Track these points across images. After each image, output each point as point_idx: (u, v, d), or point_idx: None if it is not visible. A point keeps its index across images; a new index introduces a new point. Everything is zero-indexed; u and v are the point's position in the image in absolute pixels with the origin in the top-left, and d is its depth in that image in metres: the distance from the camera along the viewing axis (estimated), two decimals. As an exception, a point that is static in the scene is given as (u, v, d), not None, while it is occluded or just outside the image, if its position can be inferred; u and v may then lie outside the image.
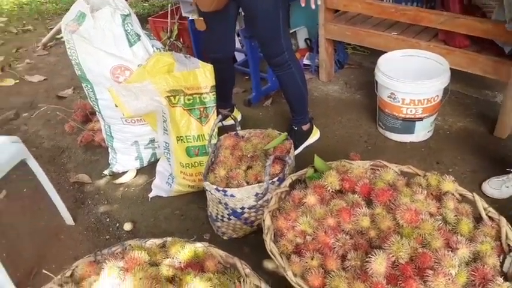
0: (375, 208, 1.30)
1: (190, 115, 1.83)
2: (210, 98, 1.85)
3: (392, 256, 1.12)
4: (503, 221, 1.25)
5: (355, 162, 1.53)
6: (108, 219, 1.82)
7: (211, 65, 1.83)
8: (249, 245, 1.63)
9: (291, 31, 3.12)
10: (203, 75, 1.80)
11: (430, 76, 2.04)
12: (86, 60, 1.82)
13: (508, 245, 1.20)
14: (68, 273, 1.13)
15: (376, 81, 2.18)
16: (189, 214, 1.82)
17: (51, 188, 1.69)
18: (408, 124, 2.13)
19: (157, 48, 1.98)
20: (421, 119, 2.10)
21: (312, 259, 1.17)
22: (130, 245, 1.23)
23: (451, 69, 2.09)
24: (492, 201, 1.79)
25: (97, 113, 2.03)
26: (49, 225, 1.79)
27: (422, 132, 2.17)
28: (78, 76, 1.90)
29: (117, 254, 1.21)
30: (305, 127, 2.21)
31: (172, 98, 1.78)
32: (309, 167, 1.56)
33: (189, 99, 1.82)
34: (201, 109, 1.85)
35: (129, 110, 1.78)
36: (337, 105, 2.60)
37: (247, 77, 2.88)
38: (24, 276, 1.56)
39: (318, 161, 1.54)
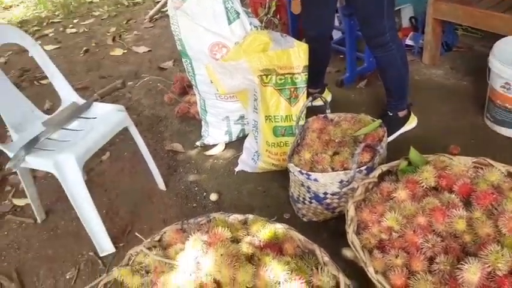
0: (474, 211, 1.18)
1: (280, 95, 1.82)
2: (302, 79, 1.82)
3: (489, 266, 1.02)
4: None
5: (455, 158, 1.40)
6: (196, 188, 1.92)
7: (306, 45, 1.78)
8: (328, 230, 1.61)
9: (395, 8, 2.91)
10: (297, 54, 1.77)
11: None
12: (187, 36, 1.90)
13: None
14: (157, 238, 1.22)
15: (489, 68, 1.95)
16: (271, 192, 1.84)
17: (148, 154, 1.83)
18: (523, 119, 1.88)
19: (254, 26, 1.98)
20: (540, 114, 1.84)
21: (397, 257, 1.11)
22: (214, 217, 1.29)
23: None
24: None
25: (194, 87, 2.12)
26: (144, 188, 1.95)
27: (540, 129, 1.90)
28: (179, 51, 2.00)
29: (202, 224, 1.27)
30: (401, 113, 2.07)
31: (264, 77, 1.79)
32: (402, 159, 1.47)
33: (280, 79, 1.80)
34: (292, 89, 1.83)
35: (224, 87, 1.83)
36: (440, 91, 2.39)
37: (341, 56, 2.77)
38: (119, 233, 1.72)
39: (413, 153, 1.43)
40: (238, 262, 1.00)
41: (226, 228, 1.10)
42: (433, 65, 2.63)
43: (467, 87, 2.39)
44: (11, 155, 1.50)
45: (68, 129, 1.71)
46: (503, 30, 2.09)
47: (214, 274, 0.97)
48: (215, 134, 2.16)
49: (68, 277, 1.56)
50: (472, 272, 1.00)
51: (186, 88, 2.56)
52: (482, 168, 1.35)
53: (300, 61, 1.79)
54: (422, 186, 1.30)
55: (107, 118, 1.71)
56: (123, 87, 2.51)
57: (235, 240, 1.19)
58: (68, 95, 1.84)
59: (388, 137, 2.02)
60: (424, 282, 1.03)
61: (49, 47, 3.88)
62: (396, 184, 1.33)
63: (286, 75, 1.80)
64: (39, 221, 1.83)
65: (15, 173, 1.83)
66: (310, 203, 1.62)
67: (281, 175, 1.86)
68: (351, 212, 1.27)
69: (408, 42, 2.80)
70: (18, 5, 5.53)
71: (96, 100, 1.87)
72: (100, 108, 1.79)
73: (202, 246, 1.03)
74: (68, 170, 1.47)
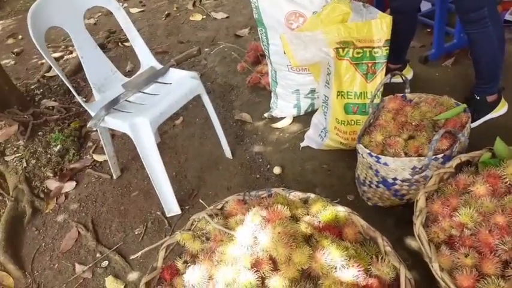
0: None
1: (356, 70, 1.72)
2: (382, 53, 1.70)
3: None
4: None
5: (550, 155, 1.24)
6: (260, 160, 1.93)
7: (390, 17, 1.65)
8: (394, 217, 1.54)
9: (496, -22, 2.58)
10: (379, 27, 1.65)
11: None
12: (265, 4, 1.86)
13: None
14: (219, 206, 1.25)
15: None
16: (336, 171, 1.79)
17: (217, 122, 1.86)
18: None
19: (335, -5, 1.88)
20: None
21: (466, 256, 1.03)
22: (276, 192, 1.28)
23: None
24: None
25: (266, 57, 2.09)
26: (212, 154, 2.00)
27: None
28: (255, 19, 1.97)
29: (263, 198, 1.28)
30: (490, 98, 1.87)
31: (340, 50, 1.70)
32: (485, 149, 1.33)
33: (358, 53, 1.70)
34: (369, 64, 1.72)
35: (297, 59, 1.77)
36: (541, 76, 2.11)
37: (428, 30, 2.55)
38: (186, 196, 1.80)
39: (499, 145, 1.30)
40: (295, 242, 0.99)
41: (286, 206, 1.09)
42: (536, 44, 2.32)
43: None
44: (92, 114, 1.61)
45: (145, 92, 1.79)
46: None
47: (270, 251, 0.98)
48: (283, 107, 2.13)
49: (136, 233, 1.68)
50: (555, 285, 0.90)
51: (260, 57, 2.54)
52: None
53: (382, 34, 1.66)
54: (506, 183, 1.17)
55: (181, 84, 1.76)
56: (198, 55, 2.56)
57: (294, 218, 1.18)
58: (146, 59, 1.91)
59: (472, 122, 1.86)
60: (495, 286, 0.94)
61: (134, 10, 4.06)
62: (475, 177, 1.21)
63: (364, 49, 1.69)
64: (114, 177, 1.98)
65: (96, 130, 1.98)
66: (377, 187, 1.55)
67: (348, 155, 1.80)
68: (420, 202, 1.19)
69: (508, 17, 2.49)
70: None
71: (172, 66, 1.93)
72: (176, 74, 1.85)
73: (261, 221, 1.03)
74: (142, 132, 1.55)
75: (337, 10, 1.74)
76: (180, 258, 1.14)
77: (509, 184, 1.18)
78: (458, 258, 1.03)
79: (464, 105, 1.53)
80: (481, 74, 1.85)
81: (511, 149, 1.28)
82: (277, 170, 1.84)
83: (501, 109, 1.92)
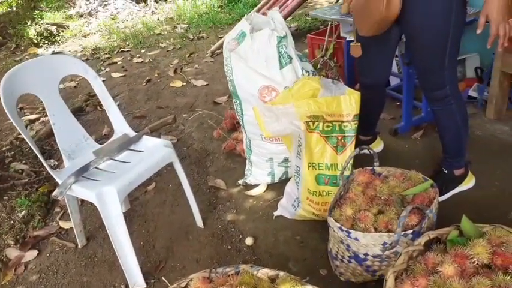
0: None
1: (327, 142, 1.77)
2: (351, 127, 1.76)
3: None
4: None
5: (514, 233, 1.25)
6: (233, 229, 1.89)
7: (358, 93, 1.73)
8: (367, 293, 1.49)
9: (459, 58, 2.78)
10: (347, 102, 1.73)
11: None
12: (239, 78, 1.93)
13: None
14: (183, 285, 1.19)
15: None
16: (309, 243, 1.76)
17: (190, 190, 1.84)
18: None
19: (306, 71, 1.98)
20: None
21: None
22: (244, 269, 1.24)
23: None
24: None
25: (241, 126, 2.13)
26: (183, 223, 1.95)
27: None
28: (230, 91, 2.03)
29: (229, 275, 1.23)
30: (458, 172, 1.92)
31: (311, 123, 1.75)
32: (452, 226, 1.34)
33: (328, 126, 1.76)
34: (339, 137, 1.77)
35: (269, 130, 1.81)
36: (503, 149, 2.20)
37: (398, 103, 2.67)
38: (152, 268, 1.72)
39: (465, 223, 1.31)
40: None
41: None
42: (497, 120, 2.45)
43: (536, 147, 2.19)
44: (59, 181, 1.58)
45: (116, 160, 1.77)
46: None
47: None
48: (258, 174, 2.14)
49: (97, 308, 1.58)
50: None
51: (236, 125, 2.59)
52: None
53: (351, 109, 1.74)
54: (474, 263, 1.17)
55: (154, 152, 1.76)
56: (174, 122, 2.59)
57: (261, 298, 1.14)
58: (120, 126, 1.92)
59: (440, 195, 1.90)
60: None
61: (116, 75, 4.15)
62: (444, 256, 1.20)
63: (334, 123, 1.75)
64: (79, 246, 1.89)
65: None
66: (349, 262, 1.52)
67: (322, 226, 1.78)
68: (389, 282, 1.16)
69: (472, 93, 2.65)
70: (94, 33, 6.04)
71: (146, 133, 1.94)
72: (149, 142, 1.85)
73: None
74: (108, 202, 1.51)
75: (307, 86, 1.83)
76: None
77: (477, 264, 1.18)
78: None
79: (431, 181, 1.57)
80: (447, 149, 1.91)
81: (478, 228, 1.30)
82: (249, 241, 1.80)
83: (469, 182, 1.97)
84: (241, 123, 2.10)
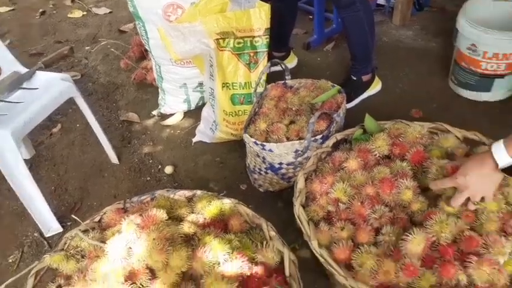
0: (424, 179, 1.15)
1: (239, 60, 1.71)
2: (263, 42, 1.71)
3: (433, 236, 0.99)
4: None
5: (412, 124, 1.35)
6: (151, 161, 1.84)
7: (268, 5, 1.66)
8: (284, 199, 1.57)
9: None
10: (257, 15, 1.65)
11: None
12: (139, -4, 1.75)
13: None
14: (97, 219, 1.15)
15: (456, 29, 1.88)
16: (229, 162, 1.78)
17: (98, 126, 1.72)
18: (486, 81, 1.84)
19: (211, -16, 1.84)
20: (502, 76, 1.80)
21: (342, 229, 1.08)
22: (159, 194, 1.22)
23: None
24: None
25: (149, 52, 1.99)
26: (95, 161, 1.85)
27: (500, 91, 1.87)
28: (131, 13, 1.85)
29: (145, 203, 1.21)
30: (365, 77, 2.00)
31: (221, 40, 1.67)
32: (357, 127, 1.42)
33: (239, 43, 1.69)
34: (251, 54, 1.72)
35: (177, 52, 1.71)
36: (408, 54, 2.32)
37: (310, 17, 2.65)
38: (67, 211, 1.64)
39: (368, 121, 1.38)
40: (172, 245, 0.94)
41: (162, 210, 1.04)
42: (403, 25, 2.54)
43: (436, 49, 2.32)
44: None
45: (6, 101, 1.58)
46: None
47: (146, 260, 0.92)
48: (172, 103, 2.05)
49: (10, 260, 1.49)
50: (415, 243, 0.98)
51: (145, 53, 2.42)
52: (438, 134, 1.32)
53: (261, 23, 1.67)
54: (375, 155, 1.26)
55: (49, 88, 1.58)
56: (71, 54, 2.35)
57: (179, 218, 1.14)
58: (8, 64, 1.69)
59: (351, 102, 1.98)
60: (366, 255, 1.00)
61: (3, 9, 3.61)
62: (349, 153, 1.28)
63: (245, 39, 1.68)
64: (-19, 201, 1.73)
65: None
66: (266, 173, 1.56)
67: (240, 145, 1.79)
68: (299, 183, 1.22)
69: (380, 1, 2.69)
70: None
71: (40, 68, 1.73)
72: (44, 78, 1.66)
73: (135, 230, 0.97)
74: (3, 149, 1.37)
75: (214, 0, 1.71)
76: (53, 282, 1.03)
77: (378, 156, 1.27)
78: (335, 233, 1.07)
79: (338, 87, 1.61)
80: (355, 56, 1.96)
81: (379, 124, 1.38)
82: (168, 169, 1.77)
83: (376, 87, 2.07)
84: (147, 48, 1.96)
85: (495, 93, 1.88)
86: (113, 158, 1.82)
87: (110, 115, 2.11)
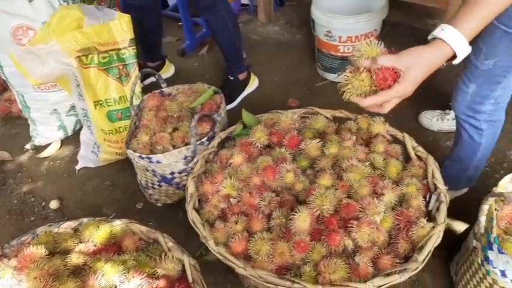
0: (301, 160, 1.24)
1: (108, 75, 1.65)
2: (130, 54, 1.67)
3: (317, 210, 1.08)
4: (431, 159, 1.23)
5: (284, 112, 1.44)
6: (32, 199, 1.68)
7: (128, 16, 1.62)
8: (184, 209, 1.54)
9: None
10: (119, 27, 1.60)
11: (369, 9, 1.93)
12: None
13: (434, 184, 1.17)
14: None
15: (313, 19, 2.05)
16: (120, 183, 1.71)
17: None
18: (346, 63, 2.04)
19: (64, 1, 1.74)
20: (358, 57, 2.01)
21: (236, 223, 1.11)
22: (41, 231, 1.12)
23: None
24: (429, 134, 1.79)
25: (6, 82, 1.81)
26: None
27: (360, 71, 2.09)
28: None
29: (27, 243, 1.10)
30: (241, 76, 2.08)
31: (84, 58, 1.59)
32: (238, 123, 1.46)
33: (104, 57, 1.63)
34: (120, 67, 1.67)
35: (35, 76, 1.58)
36: (277, 48, 2.47)
37: (180, 24, 2.66)
38: None
39: (246, 115, 1.44)
40: (58, 280, 0.87)
41: (39, 246, 0.96)
42: (269, 22, 2.69)
43: (301, 40, 2.51)
44: None
45: None
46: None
47: (30, 301, 0.84)
48: (46, 132, 1.90)
49: None
50: (302, 219, 1.04)
51: (5, 84, 2.19)
52: (309, 117, 1.43)
53: (124, 34, 1.62)
54: (257, 147, 1.31)
55: None
56: None
57: (67, 252, 1.06)
58: None
59: (232, 101, 2.04)
60: (260, 241, 1.04)
61: None
62: (233, 149, 1.32)
63: (110, 52, 1.62)
64: None
65: None
66: (160, 186, 1.54)
67: (129, 163, 1.71)
68: (190, 188, 1.23)
69: (243, 0, 2.81)
70: None
71: None
72: None
73: (12, 274, 0.88)
74: None
75: (68, 16, 1.61)
76: None
77: (260, 147, 1.33)
78: (231, 227, 1.10)
79: (214, 88, 1.65)
80: (227, 56, 2.03)
81: (256, 117, 1.44)
82: (54, 204, 1.64)
83: (253, 84, 2.16)
84: (4, 78, 1.78)
85: (356, 73, 2.09)
86: (-15, 205, 1.62)
87: (-26, 158, 1.88)
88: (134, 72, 1.70)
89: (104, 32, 1.58)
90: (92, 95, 1.64)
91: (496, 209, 1.10)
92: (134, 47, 1.67)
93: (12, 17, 1.61)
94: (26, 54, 1.55)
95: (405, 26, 2.40)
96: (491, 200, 1.10)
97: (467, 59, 0.93)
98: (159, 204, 1.60)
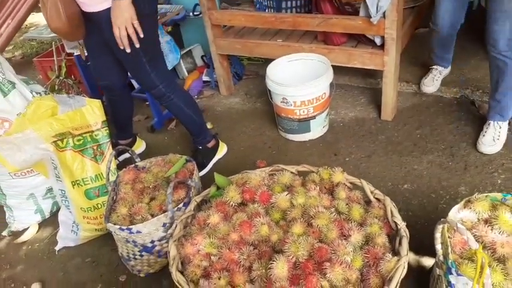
0: (274, 213, 1.36)
1: (83, 156, 1.75)
2: (103, 134, 1.79)
3: (293, 257, 1.17)
4: (387, 200, 1.37)
5: (253, 172, 1.57)
6: (12, 285, 1.67)
7: (98, 101, 1.77)
8: (168, 276, 1.59)
9: (185, 50, 3.14)
10: (91, 112, 1.75)
11: (317, 75, 2.17)
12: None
13: (394, 222, 1.31)
14: None
15: (269, 89, 2.27)
16: (102, 259, 1.74)
17: None
18: (304, 124, 2.24)
19: (37, 93, 1.88)
20: (314, 117, 2.22)
21: (219, 279, 1.18)
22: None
23: (334, 66, 2.24)
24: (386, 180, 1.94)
25: (-19, 172, 1.86)
26: None
27: (318, 129, 2.29)
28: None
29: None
30: (210, 144, 2.21)
31: (59, 142, 1.70)
32: (212, 186, 1.57)
33: (78, 140, 1.74)
34: (95, 147, 1.78)
35: (14, 164, 1.66)
36: (241, 116, 2.66)
37: (147, 103, 2.83)
38: None
39: (218, 178, 1.56)
40: None
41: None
42: (230, 94, 2.92)
43: (261, 107, 2.72)
44: None
45: None
46: (272, 55, 2.46)
47: None
48: (23, 217, 1.93)
49: None
50: (280, 267, 1.14)
51: (-22, 175, 2.22)
52: (276, 174, 1.56)
53: (96, 117, 1.77)
54: (232, 205, 1.42)
55: None
56: None
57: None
58: None
59: (204, 168, 2.16)
60: (243, 293, 1.11)
61: None
62: (209, 210, 1.42)
63: (84, 135, 1.75)
64: None
65: None
66: (142, 256, 1.58)
67: (110, 238, 1.76)
68: (172, 251, 1.29)
69: (205, 78, 3.05)
70: None
71: None
72: None
73: None
74: None
75: (42, 106, 1.74)
76: None
77: (234, 205, 1.43)
78: (214, 284, 1.17)
79: (185, 157, 1.77)
80: (191, 131, 2.14)
81: (227, 178, 1.56)
82: (36, 287, 1.63)
83: (222, 150, 2.30)
84: (-21, 169, 1.84)
85: (314, 132, 2.29)
86: (-38, 298, 1.60)
87: None
88: (108, 150, 1.81)
89: (76, 118, 1.72)
90: (69, 175, 1.72)
91: (449, 237, 1.24)
92: (107, 127, 1.80)
93: (-12, 111, 1.72)
94: (3, 143, 1.64)
95: (353, 87, 2.68)
96: (439, 228, 1.24)
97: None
98: (142, 275, 1.63)
